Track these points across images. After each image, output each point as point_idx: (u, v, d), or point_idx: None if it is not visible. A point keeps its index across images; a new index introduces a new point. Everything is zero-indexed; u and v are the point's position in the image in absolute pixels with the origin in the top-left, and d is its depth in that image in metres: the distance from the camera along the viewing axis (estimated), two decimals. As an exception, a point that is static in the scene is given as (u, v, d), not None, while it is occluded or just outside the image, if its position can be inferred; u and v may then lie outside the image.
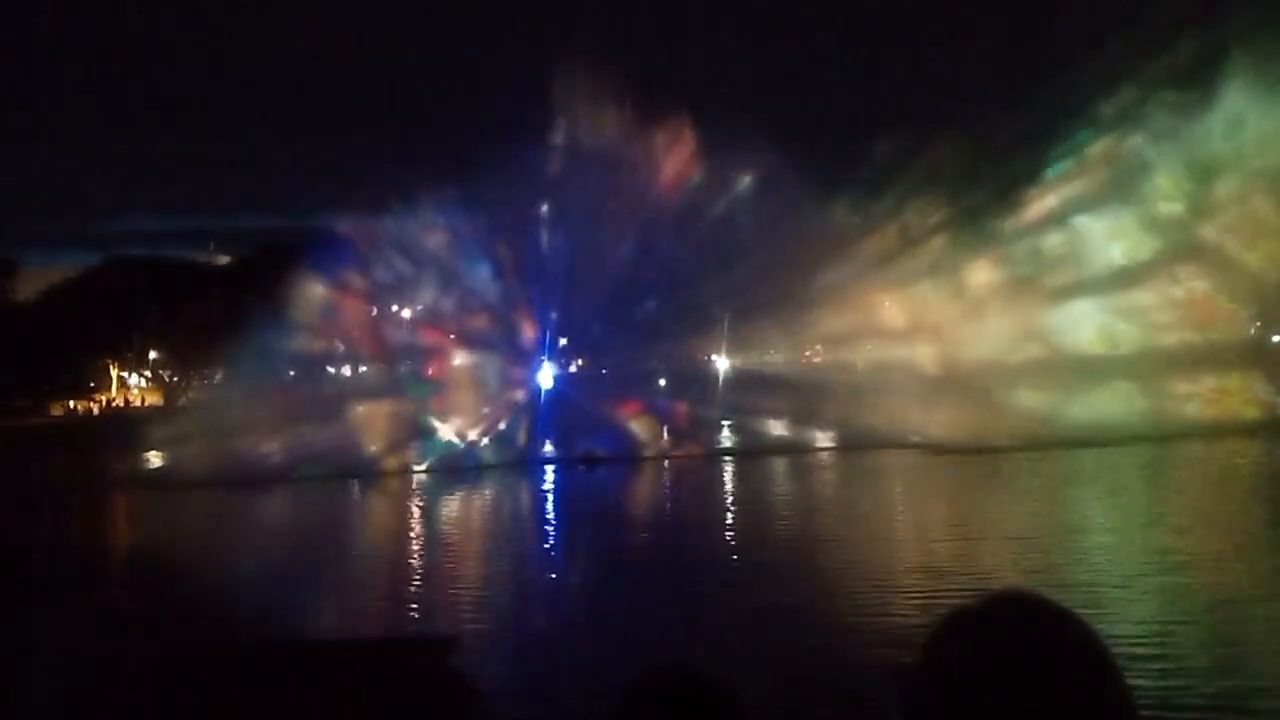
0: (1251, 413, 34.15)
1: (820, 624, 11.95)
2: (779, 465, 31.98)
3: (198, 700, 8.41)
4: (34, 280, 71.85)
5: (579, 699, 9.15)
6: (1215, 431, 31.27)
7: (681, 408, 38.26)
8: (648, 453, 36.52)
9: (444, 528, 25.65)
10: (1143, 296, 37.49)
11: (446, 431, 36.23)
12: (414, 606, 14.69)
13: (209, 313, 37.39)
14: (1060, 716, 1.26)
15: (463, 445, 35.96)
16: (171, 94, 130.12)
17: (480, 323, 38.68)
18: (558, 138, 38.72)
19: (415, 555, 20.83)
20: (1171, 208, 37.73)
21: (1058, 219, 38.23)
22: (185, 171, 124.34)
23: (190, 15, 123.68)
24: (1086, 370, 35.37)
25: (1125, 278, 37.45)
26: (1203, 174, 37.15)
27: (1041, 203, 38.54)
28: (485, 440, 36.10)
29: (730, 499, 27.88)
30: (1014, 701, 1.26)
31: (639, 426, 37.13)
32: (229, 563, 19.86)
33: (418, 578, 17.53)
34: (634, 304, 40.27)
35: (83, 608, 14.69)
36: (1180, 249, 37.30)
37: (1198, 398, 35.00)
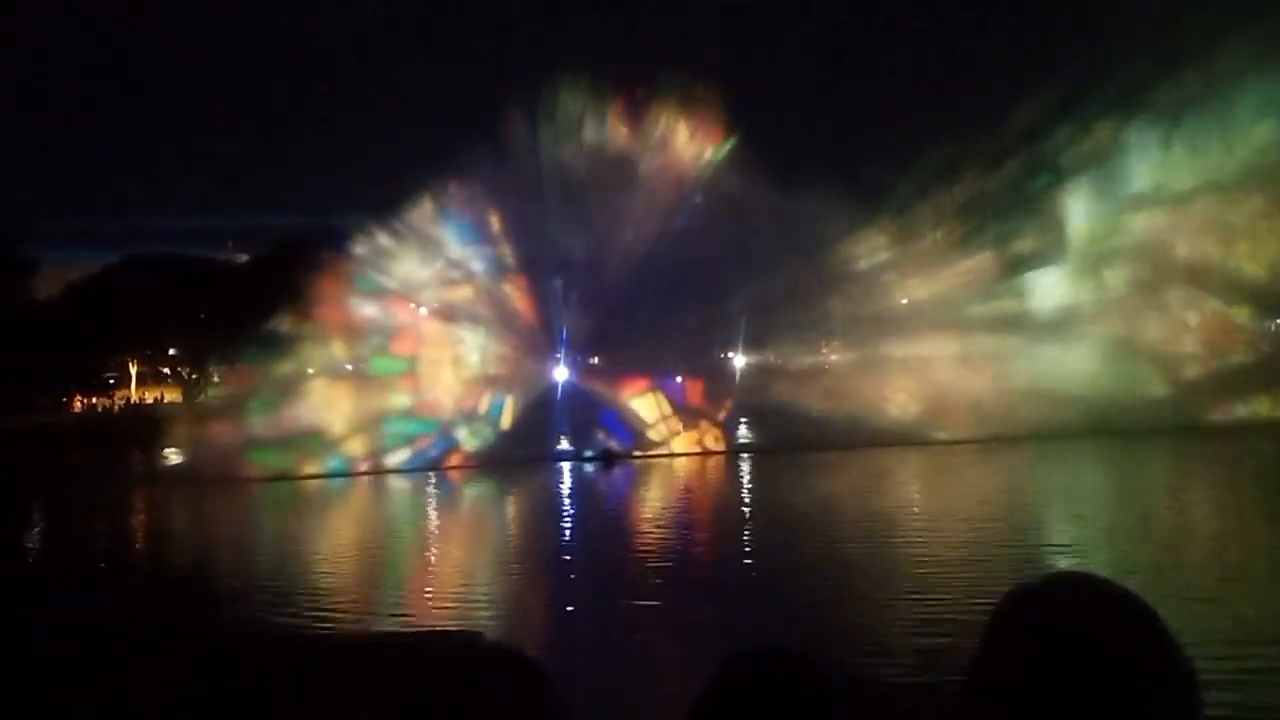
0: None
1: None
2: (801, 463, 31.83)
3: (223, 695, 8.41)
4: (54, 278, 72.28)
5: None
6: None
7: (698, 405, 38.22)
8: (664, 450, 36.51)
9: (462, 524, 25.70)
10: (1157, 329, 36.42)
11: (463, 427, 36.29)
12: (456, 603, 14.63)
13: (228, 310, 37.52)
14: (1124, 695, 1.25)
15: (480, 441, 36.02)
16: (191, 93, 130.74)
17: (497, 320, 38.61)
18: (578, 136, 38.75)
19: (447, 554, 20.85)
20: (1168, 229, 36.52)
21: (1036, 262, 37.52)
22: (204, 170, 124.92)
23: (207, 14, 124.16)
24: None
25: (1136, 312, 36.34)
26: (1194, 191, 36.21)
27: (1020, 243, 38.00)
28: (504, 436, 36.12)
29: (748, 496, 27.81)
30: (1077, 680, 1.25)
31: (654, 423, 37.10)
32: (254, 559, 19.99)
33: (454, 575, 17.37)
34: (652, 301, 40.15)
35: (112, 603, 14.74)
36: (1182, 272, 36.42)
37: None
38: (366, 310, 37.57)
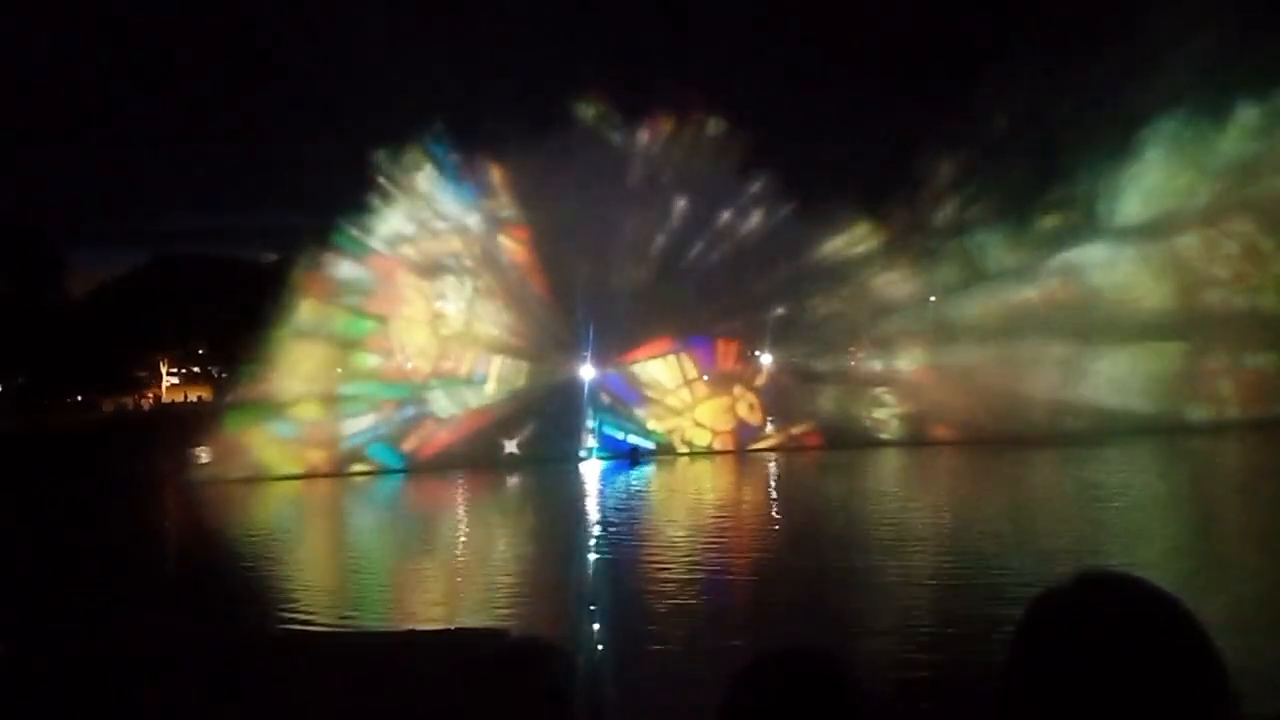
0: None
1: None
2: (826, 461, 31.56)
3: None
4: (85, 280, 73.29)
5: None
6: None
7: (731, 369, 38.07)
8: (691, 448, 36.42)
9: (503, 524, 25.71)
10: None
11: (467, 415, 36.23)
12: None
13: (256, 308, 37.71)
14: (1156, 692, 1.25)
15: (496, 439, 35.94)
16: (219, 91, 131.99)
17: (524, 321, 38.49)
18: (598, 136, 38.75)
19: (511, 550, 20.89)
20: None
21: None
22: (233, 170, 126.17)
23: (233, 13, 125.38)
24: None
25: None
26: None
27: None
28: (528, 434, 35.99)
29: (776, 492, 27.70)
30: (1108, 680, 1.25)
31: (675, 389, 37.07)
32: (296, 557, 20.13)
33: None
34: (675, 300, 40.01)
35: (143, 601, 14.82)
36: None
37: None
38: (396, 300, 37.49)
